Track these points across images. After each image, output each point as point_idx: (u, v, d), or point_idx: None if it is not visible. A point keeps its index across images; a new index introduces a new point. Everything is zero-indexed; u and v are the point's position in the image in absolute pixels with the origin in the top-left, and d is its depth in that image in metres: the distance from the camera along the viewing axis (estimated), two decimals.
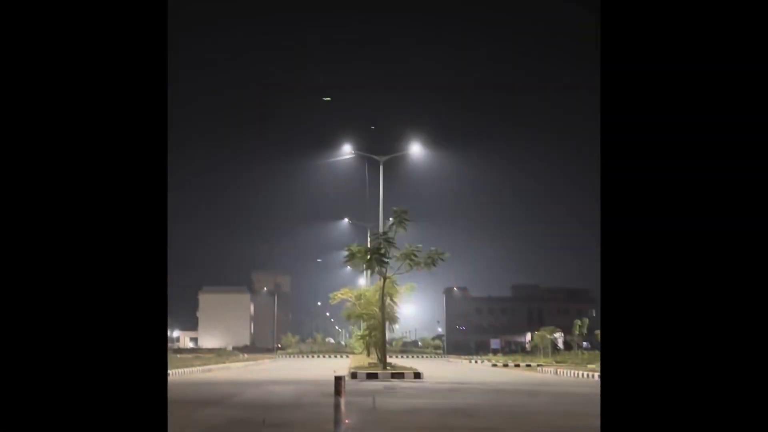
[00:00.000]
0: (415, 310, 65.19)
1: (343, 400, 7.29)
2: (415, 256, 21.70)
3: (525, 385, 17.47)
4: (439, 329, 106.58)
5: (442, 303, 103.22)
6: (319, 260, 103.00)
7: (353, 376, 20.06)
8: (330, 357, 62.57)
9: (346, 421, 7.19)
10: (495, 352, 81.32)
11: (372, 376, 19.74)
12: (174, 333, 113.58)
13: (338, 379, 7.39)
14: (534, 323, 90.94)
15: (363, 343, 26.25)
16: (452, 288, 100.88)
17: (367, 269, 23.57)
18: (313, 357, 65.08)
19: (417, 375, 20.05)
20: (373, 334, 24.64)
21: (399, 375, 19.94)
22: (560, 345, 72.86)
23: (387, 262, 21.79)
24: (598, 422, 8.69)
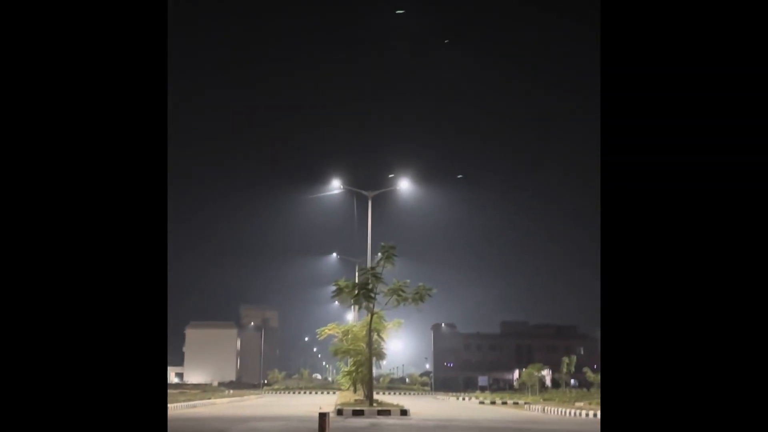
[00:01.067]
0: (402, 346, 64.91)
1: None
2: (403, 291, 21.72)
3: (512, 422, 17.40)
4: (427, 365, 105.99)
5: (430, 339, 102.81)
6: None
7: (339, 412, 19.92)
8: (317, 393, 61.99)
9: None
10: (483, 389, 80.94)
11: (358, 413, 19.59)
12: None
13: (322, 416, 7.41)
14: (522, 360, 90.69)
15: (350, 379, 26.06)
16: (440, 324, 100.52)
17: (354, 304, 23.57)
18: (299, 393, 64.48)
19: (404, 412, 19.93)
20: (359, 370, 24.50)
21: (385, 412, 19.81)
22: (548, 382, 72.66)
23: (374, 298, 21.77)
24: None
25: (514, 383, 78.78)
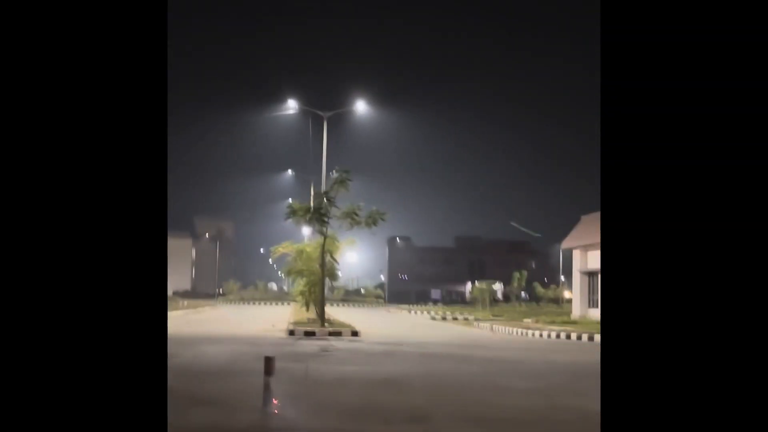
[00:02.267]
0: (358, 259, 65.68)
1: (272, 380, 7.40)
2: (357, 215, 21.84)
3: (458, 345, 17.87)
4: (382, 277, 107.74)
5: (385, 252, 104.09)
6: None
7: (291, 333, 20.23)
8: (271, 305, 62.80)
9: (274, 401, 7.30)
10: (435, 302, 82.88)
11: (310, 334, 19.91)
12: None
13: (268, 360, 7.47)
14: (475, 273, 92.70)
15: (303, 298, 26.39)
16: (395, 237, 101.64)
17: (308, 225, 23.63)
18: (254, 304, 65.25)
19: (354, 333, 20.31)
20: (313, 290, 24.78)
21: (336, 333, 20.17)
22: (500, 296, 74.57)
23: (327, 222, 21.87)
24: (517, 399, 8.92)
25: (467, 296, 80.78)
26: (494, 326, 27.59)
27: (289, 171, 54.49)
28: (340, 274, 28.31)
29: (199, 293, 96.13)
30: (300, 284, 26.17)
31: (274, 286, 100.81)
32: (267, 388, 7.38)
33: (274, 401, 7.29)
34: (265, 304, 66.59)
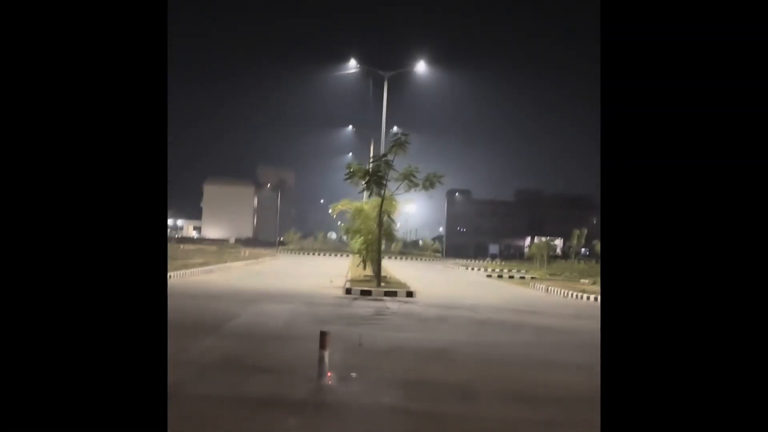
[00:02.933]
0: (417, 210, 66.08)
1: (327, 353, 7.80)
2: (414, 177, 22.08)
3: (512, 311, 18.08)
4: (441, 229, 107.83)
5: (444, 205, 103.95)
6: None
7: (348, 291, 20.76)
8: (330, 256, 63.83)
9: (329, 374, 7.71)
10: (493, 257, 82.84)
11: (366, 293, 20.41)
12: (178, 222, 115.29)
13: (323, 334, 7.86)
14: (535, 229, 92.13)
15: (360, 257, 26.88)
16: (454, 191, 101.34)
17: (366, 190, 23.97)
18: (313, 255, 66.41)
19: (409, 293, 20.71)
20: (370, 248, 25.21)
21: (392, 293, 20.60)
22: (559, 251, 74.05)
23: (385, 185, 22.18)
24: (566, 376, 9.12)
25: (525, 250, 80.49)
26: (550, 287, 27.66)
27: (350, 127, 55.36)
28: (397, 233, 28.72)
29: (260, 241, 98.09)
30: (358, 241, 26.60)
31: (333, 235, 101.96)
32: (322, 360, 7.79)
33: (329, 375, 7.70)
34: (324, 255, 67.70)
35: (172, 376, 7.48)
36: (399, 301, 19.24)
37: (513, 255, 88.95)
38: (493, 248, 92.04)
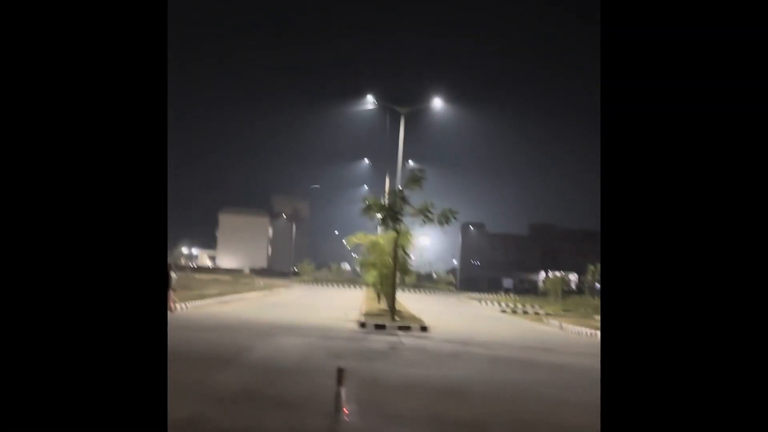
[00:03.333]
0: (431, 243, 66.26)
1: (343, 390, 8.00)
2: (430, 212, 22.36)
3: (525, 348, 18.15)
4: (454, 261, 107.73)
5: (458, 238, 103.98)
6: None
7: (362, 325, 20.92)
8: (344, 287, 63.94)
9: (345, 410, 7.90)
10: (507, 290, 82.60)
11: (380, 327, 20.57)
12: (193, 250, 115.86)
13: (340, 371, 8.07)
14: (549, 262, 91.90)
15: (374, 290, 27.09)
16: (468, 224, 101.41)
17: (382, 224, 24.26)
18: (327, 286, 66.55)
19: (423, 328, 20.85)
20: (384, 282, 25.41)
21: (406, 327, 20.75)
22: (573, 286, 73.71)
23: (401, 220, 22.49)
24: (575, 417, 9.21)
25: (540, 285, 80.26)
26: (564, 324, 27.66)
27: (366, 160, 56.28)
28: (412, 267, 29.03)
29: (274, 271, 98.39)
30: (372, 275, 26.81)
31: (347, 266, 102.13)
32: (338, 396, 7.99)
33: (345, 410, 7.89)
34: (337, 286, 67.81)
35: (192, 409, 7.72)
36: (413, 335, 19.39)
37: (527, 289, 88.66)
38: (507, 282, 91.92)
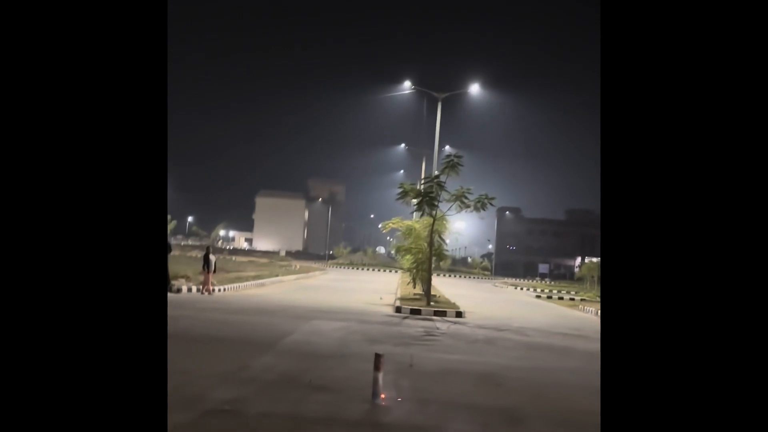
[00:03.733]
0: (466, 227, 66.27)
1: (380, 375, 8.16)
2: (466, 198, 22.38)
3: (561, 335, 18.16)
4: (490, 246, 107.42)
5: (494, 222, 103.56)
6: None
7: (398, 310, 21.10)
8: (379, 271, 64.21)
9: (382, 396, 8.06)
10: (542, 276, 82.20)
11: (415, 312, 20.73)
12: (230, 233, 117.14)
13: (377, 356, 8.22)
14: (586, 249, 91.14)
15: (410, 275, 27.23)
16: (504, 209, 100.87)
17: (418, 210, 24.34)
18: (362, 269, 66.87)
19: (458, 314, 20.96)
20: (420, 267, 25.53)
21: (441, 312, 20.88)
22: None
23: (437, 206, 22.55)
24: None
25: (576, 271, 79.72)
26: (599, 310, 27.54)
27: (403, 145, 56.52)
28: (447, 252, 29.14)
29: (310, 254, 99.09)
30: (408, 260, 26.94)
31: (382, 250, 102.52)
32: (376, 382, 8.15)
33: (382, 396, 8.05)
34: (372, 270, 68.11)
35: (235, 392, 7.95)
36: (448, 321, 19.51)
37: (563, 275, 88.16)
38: (543, 267, 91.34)
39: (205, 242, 75.19)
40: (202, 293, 22.77)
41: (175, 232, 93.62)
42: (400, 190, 23.44)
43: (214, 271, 23.41)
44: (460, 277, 67.82)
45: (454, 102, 36.15)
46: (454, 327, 17.81)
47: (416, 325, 17.45)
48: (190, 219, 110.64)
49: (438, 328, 17.15)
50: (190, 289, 23.45)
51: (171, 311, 15.84)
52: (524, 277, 77.37)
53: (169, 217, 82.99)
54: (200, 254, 24.81)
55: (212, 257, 23.14)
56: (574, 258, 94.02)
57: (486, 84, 37.24)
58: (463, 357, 12.45)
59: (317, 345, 12.63)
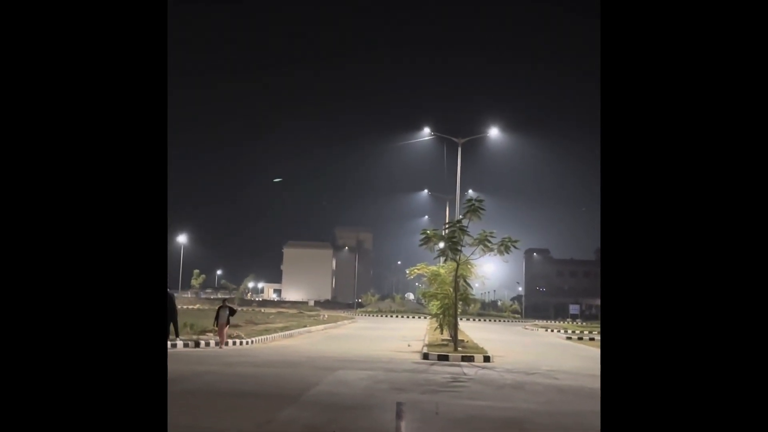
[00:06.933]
0: (495, 269, 66.01)
1: (403, 424, 8.13)
2: (489, 242, 22.36)
3: (590, 377, 17.90)
4: (519, 289, 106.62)
5: (522, 264, 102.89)
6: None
7: (425, 356, 20.97)
8: (408, 318, 63.92)
9: None
10: (573, 317, 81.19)
11: (443, 358, 20.59)
12: (259, 284, 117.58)
13: (399, 405, 8.21)
14: None
15: (437, 321, 27.12)
16: (532, 250, 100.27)
17: (441, 255, 24.35)
18: (391, 316, 66.62)
19: (486, 358, 20.77)
20: (447, 312, 25.43)
21: (469, 358, 20.70)
22: None
23: (460, 250, 22.56)
24: None
25: None
26: None
27: (426, 191, 57.20)
28: (474, 296, 29.04)
29: (338, 303, 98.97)
30: (435, 305, 26.85)
31: (411, 296, 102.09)
32: (398, 431, 8.12)
33: None
34: (401, 316, 67.82)
35: None
36: (476, 366, 19.34)
37: (594, 315, 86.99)
38: (574, 308, 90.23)
39: (234, 295, 75.53)
40: (220, 347, 22.81)
41: (204, 286, 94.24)
42: (423, 236, 23.52)
43: (227, 324, 23.41)
44: (489, 321, 67.23)
45: (476, 146, 36.51)
46: (481, 372, 17.64)
47: (443, 372, 17.31)
48: (219, 272, 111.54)
49: (465, 374, 17.00)
50: (208, 344, 23.43)
51: (195, 366, 15.95)
52: (555, 318, 76.51)
53: (197, 271, 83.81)
54: (233, 307, 24.86)
55: (223, 311, 23.18)
56: None
57: (509, 126, 37.56)
58: (489, 403, 12.31)
59: (342, 395, 12.58)
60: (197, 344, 22.83)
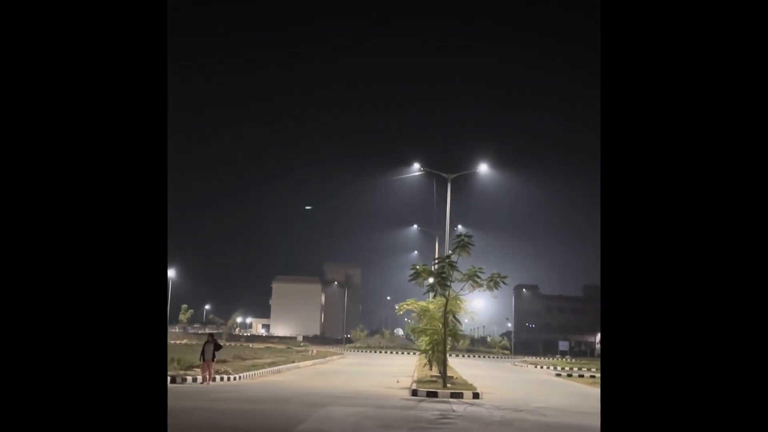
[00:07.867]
0: (484, 305, 66.01)
1: None
2: (478, 277, 22.43)
3: (578, 414, 17.88)
4: (509, 325, 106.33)
5: (512, 300, 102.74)
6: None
7: (414, 393, 20.87)
8: (397, 353, 63.59)
9: None
10: (563, 354, 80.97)
11: (432, 394, 20.50)
12: (247, 320, 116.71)
13: None
14: None
15: (425, 357, 27.04)
16: (521, 286, 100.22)
17: (430, 291, 24.37)
18: (380, 352, 66.27)
19: (476, 395, 20.69)
20: (436, 348, 25.36)
21: (458, 394, 20.62)
22: None
23: (449, 286, 22.60)
24: None
25: (596, 346, 78.42)
26: None
27: (415, 226, 57.78)
28: (463, 332, 29.04)
29: (327, 338, 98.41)
30: (424, 341, 26.80)
31: (400, 331, 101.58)
32: None
33: None
34: (390, 352, 67.47)
35: None
36: (465, 402, 19.25)
37: (584, 352, 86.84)
38: (563, 345, 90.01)
39: (222, 330, 74.95)
40: (207, 383, 22.65)
41: (192, 321, 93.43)
42: (413, 271, 23.56)
43: (213, 359, 23.29)
44: (479, 357, 66.97)
45: (465, 182, 36.86)
46: (470, 409, 17.57)
47: (432, 408, 17.23)
48: (207, 307, 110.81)
49: (454, 411, 16.93)
50: (195, 379, 23.26)
51: (183, 403, 15.83)
52: (544, 355, 76.25)
53: (185, 306, 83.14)
54: (218, 342, 24.70)
55: (209, 347, 23.09)
56: (594, 334, 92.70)
57: (498, 163, 37.97)
58: None
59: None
60: (184, 380, 22.66)
